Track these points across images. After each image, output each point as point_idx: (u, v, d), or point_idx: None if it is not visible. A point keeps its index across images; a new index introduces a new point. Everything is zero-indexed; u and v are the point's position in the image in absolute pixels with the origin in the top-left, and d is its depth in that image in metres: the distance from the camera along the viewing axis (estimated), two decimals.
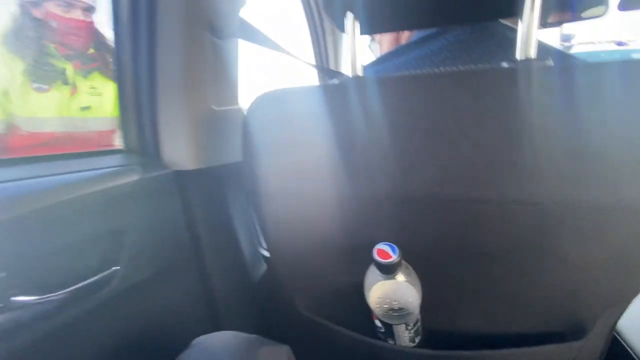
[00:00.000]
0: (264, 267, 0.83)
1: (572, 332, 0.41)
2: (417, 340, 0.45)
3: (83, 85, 1.04)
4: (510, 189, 0.34)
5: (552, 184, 0.33)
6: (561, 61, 0.41)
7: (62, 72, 0.99)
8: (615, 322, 0.44)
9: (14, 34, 0.91)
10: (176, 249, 0.60)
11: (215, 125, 0.62)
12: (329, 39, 1.19)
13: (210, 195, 0.65)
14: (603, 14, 1.04)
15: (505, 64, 0.36)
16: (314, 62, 1.25)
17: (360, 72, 0.41)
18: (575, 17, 0.64)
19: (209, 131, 0.60)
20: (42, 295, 0.36)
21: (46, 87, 0.96)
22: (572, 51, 4.91)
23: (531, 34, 0.34)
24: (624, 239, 0.34)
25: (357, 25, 0.39)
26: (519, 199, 0.34)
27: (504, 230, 0.36)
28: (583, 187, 0.32)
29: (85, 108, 1.04)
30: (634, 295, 0.39)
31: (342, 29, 0.42)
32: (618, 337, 0.57)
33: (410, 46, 0.48)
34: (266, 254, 0.85)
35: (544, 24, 0.40)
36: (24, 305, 0.35)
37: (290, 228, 0.47)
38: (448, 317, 0.45)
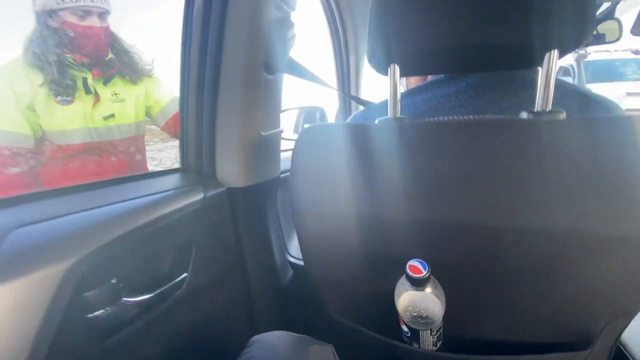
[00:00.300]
0: (290, 271, 0.91)
1: (579, 342, 0.47)
2: (438, 344, 0.52)
3: (105, 92, 1.04)
4: (527, 221, 0.41)
5: (563, 217, 0.39)
6: (575, 104, 0.48)
7: (84, 82, 0.99)
8: (619, 334, 0.49)
9: (32, 47, 0.91)
10: (226, 256, 0.68)
11: (261, 147, 0.70)
12: (352, 61, 1.29)
13: (252, 208, 0.73)
14: (617, 40, 1.11)
15: (524, 114, 0.43)
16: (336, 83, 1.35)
17: (398, 112, 0.48)
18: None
19: (256, 152, 0.69)
20: (138, 297, 0.45)
21: (69, 98, 0.96)
22: (588, 59, 4.92)
23: (550, 85, 0.40)
24: (624, 265, 0.40)
25: (398, 70, 0.46)
26: (535, 229, 0.41)
27: (520, 254, 0.42)
28: (590, 221, 0.39)
29: (109, 117, 1.04)
30: (636, 311, 0.45)
31: (384, 74, 0.48)
32: (622, 348, 0.62)
33: (437, 83, 0.55)
34: (292, 260, 0.94)
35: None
36: (127, 306, 0.44)
37: (327, 243, 0.54)
38: (467, 325, 0.51)
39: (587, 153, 0.39)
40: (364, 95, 1.48)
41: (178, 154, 0.71)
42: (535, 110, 0.42)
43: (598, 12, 1.26)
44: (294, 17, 0.67)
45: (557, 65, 0.40)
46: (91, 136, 1.02)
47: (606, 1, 1.13)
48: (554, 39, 0.39)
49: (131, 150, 1.13)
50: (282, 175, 0.84)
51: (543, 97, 0.41)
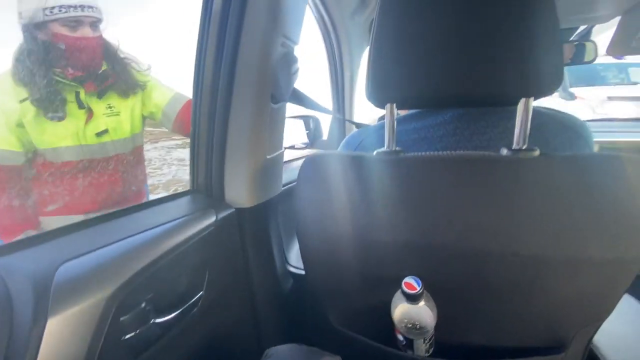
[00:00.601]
0: (291, 280, 0.97)
1: (555, 346, 0.53)
2: (430, 350, 0.57)
3: (99, 107, 0.99)
4: (506, 245, 0.47)
5: (536, 243, 0.46)
6: (550, 131, 0.54)
7: (76, 97, 0.94)
8: (591, 339, 0.56)
9: (20, 62, 0.87)
10: (235, 272, 0.73)
11: (266, 168, 0.75)
12: (346, 76, 1.35)
13: (258, 225, 0.79)
14: (593, 60, 1.19)
15: (504, 151, 0.49)
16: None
17: (394, 145, 0.54)
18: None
19: (262, 174, 0.74)
20: (164, 317, 0.50)
21: (61, 114, 0.91)
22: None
23: (526, 126, 0.47)
24: (591, 281, 0.47)
25: (395, 108, 0.52)
26: (512, 252, 0.47)
27: (501, 274, 0.49)
28: (559, 246, 0.45)
29: (102, 133, 1.00)
30: (604, 319, 0.52)
31: (381, 109, 0.54)
32: (594, 350, 0.69)
33: (425, 113, 0.61)
34: (293, 269, 1.00)
35: None
36: (154, 326, 0.49)
37: (327, 261, 0.60)
38: (456, 333, 0.57)
39: (554, 186, 0.45)
40: (357, 104, 1.55)
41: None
42: (514, 147, 0.48)
43: (576, 33, 1.35)
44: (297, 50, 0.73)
45: (531, 109, 0.47)
46: (84, 154, 0.98)
47: (583, 25, 1.22)
48: (529, 88, 0.45)
49: (126, 165, 1.09)
50: (283, 188, 0.89)
51: (520, 135, 0.48)
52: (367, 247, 0.55)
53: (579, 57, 1.18)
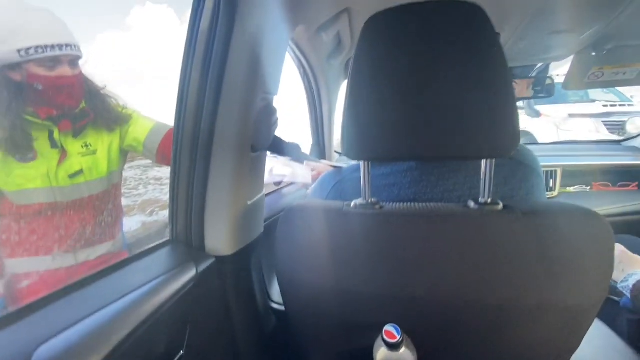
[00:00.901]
0: (273, 318, 0.96)
1: None
2: None
3: (74, 146, 0.95)
4: (475, 296, 0.50)
5: (503, 292, 0.49)
6: (510, 171, 0.59)
7: (49, 136, 0.90)
8: None
9: None
10: (217, 323, 0.72)
11: (247, 214, 0.76)
12: (325, 109, 1.40)
13: (239, 272, 0.78)
14: (551, 95, 1.29)
15: (472, 203, 0.53)
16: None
17: (369, 196, 0.56)
18: None
19: (243, 220, 0.74)
20: None
21: (31, 155, 0.87)
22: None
23: (489, 183, 0.51)
24: (556, 325, 0.50)
25: (369, 165, 0.55)
26: (483, 301, 0.50)
27: (473, 321, 0.52)
28: (522, 295, 0.49)
29: (77, 174, 0.95)
30: (573, 351, 0.55)
31: (358, 161, 0.57)
32: None
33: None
34: (275, 306, 0.99)
35: None
36: None
37: (308, 307, 0.61)
38: None
39: (516, 240, 0.49)
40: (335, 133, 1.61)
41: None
42: (480, 200, 0.52)
43: (534, 70, 1.46)
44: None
45: (493, 167, 0.51)
46: (55, 196, 0.92)
47: (540, 63, 1.32)
48: (489, 150, 0.49)
49: (101, 205, 1.03)
50: (265, 223, 0.89)
51: (485, 190, 0.51)
52: (347, 297, 0.57)
53: (538, 92, 1.28)
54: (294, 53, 1.13)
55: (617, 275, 0.94)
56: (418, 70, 0.48)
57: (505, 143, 0.48)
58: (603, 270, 0.48)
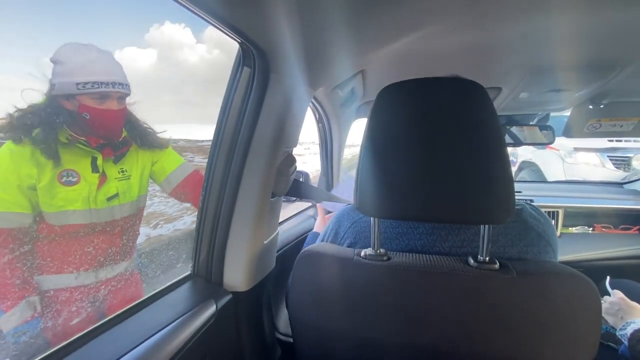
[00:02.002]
0: (279, 350, 1.00)
1: None
2: None
3: (112, 171, 1.03)
4: (474, 348, 0.54)
5: (497, 346, 0.53)
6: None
7: (92, 161, 0.98)
8: None
9: (42, 128, 0.89)
10: (229, 352, 0.77)
11: (263, 252, 0.82)
12: (335, 146, 1.49)
13: (252, 306, 0.83)
14: (551, 142, 1.35)
15: (472, 261, 0.58)
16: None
17: (378, 247, 0.62)
18: None
19: (259, 258, 0.80)
20: None
21: (75, 179, 0.95)
22: None
23: (487, 244, 0.56)
24: None
25: (379, 221, 0.61)
26: (481, 353, 0.54)
27: None
28: (516, 350, 0.53)
29: (113, 197, 1.03)
30: None
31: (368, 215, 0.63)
32: None
33: None
34: (282, 337, 1.03)
35: None
36: None
37: (318, 347, 0.65)
38: None
39: (511, 298, 0.53)
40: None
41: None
42: (479, 259, 0.57)
43: (535, 117, 1.53)
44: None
45: (491, 232, 0.57)
46: (91, 217, 1.00)
47: (540, 112, 1.40)
48: (487, 217, 0.55)
49: (128, 227, 1.12)
50: (277, 254, 0.95)
51: (483, 250, 0.57)
52: (354, 341, 0.62)
53: (539, 139, 1.34)
54: (311, 104, 1.23)
55: (615, 323, 0.97)
56: (424, 139, 0.54)
57: (500, 212, 0.54)
58: (591, 331, 0.53)
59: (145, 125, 1.12)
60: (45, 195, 0.92)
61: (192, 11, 0.51)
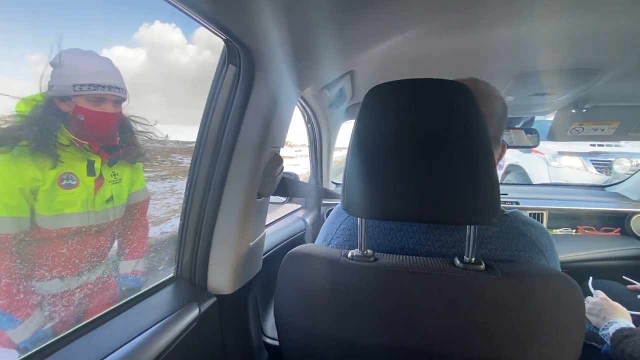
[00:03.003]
0: (265, 354, 0.98)
1: None
2: None
3: (107, 175, 1.04)
4: (459, 350, 0.54)
5: (482, 347, 0.53)
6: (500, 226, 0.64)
7: (88, 165, 0.99)
8: None
9: (43, 131, 0.89)
10: (213, 356, 0.75)
11: (248, 254, 0.80)
12: (324, 147, 1.48)
13: (237, 309, 0.82)
14: (536, 145, 1.37)
15: (457, 261, 0.58)
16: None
17: (365, 247, 0.61)
18: None
19: (244, 260, 0.79)
20: None
21: (74, 182, 0.96)
22: None
23: (472, 244, 0.56)
24: None
25: (365, 221, 0.60)
26: (467, 356, 0.54)
27: None
28: (502, 351, 0.53)
29: (109, 200, 1.05)
30: None
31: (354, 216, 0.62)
32: None
33: None
34: (268, 340, 1.01)
35: None
36: None
37: (304, 349, 0.64)
38: None
39: (496, 299, 0.53)
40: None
41: None
42: (465, 259, 0.57)
43: (521, 121, 1.56)
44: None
45: (476, 232, 0.57)
46: (89, 220, 1.01)
47: (526, 115, 1.43)
48: (472, 217, 0.55)
49: (118, 228, 1.13)
50: (263, 257, 0.93)
51: (469, 251, 0.57)
52: (340, 343, 0.61)
53: (524, 142, 1.37)
54: (300, 104, 1.22)
55: (598, 323, 0.98)
56: (410, 139, 0.54)
57: (485, 212, 0.54)
58: (575, 331, 0.53)
59: (134, 129, 1.11)
60: (45, 198, 0.92)
61: (175, 6, 0.50)
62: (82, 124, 0.93)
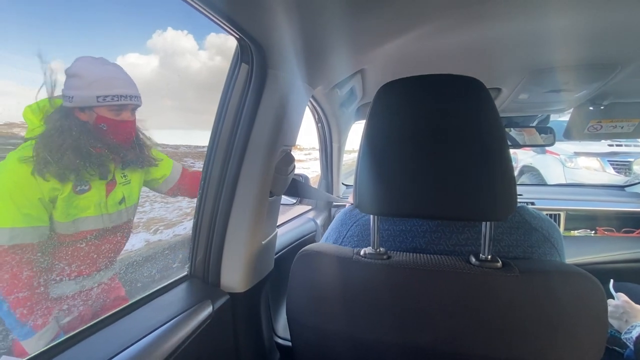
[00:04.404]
0: (277, 355, 0.98)
1: None
2: None
3: (119, 176, 1.07)
4: (474, 349, 0.53)
5: (497, 346, 0.52)
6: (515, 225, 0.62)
7: (104, 169, 1.01)
8: None
9: (60, 139, 0.90)
10: (226, 355, 0.75)
11: (261, 253, 0.81)
12: (335, 148, 1.48)
13: (250, 308, 0.82)
14: (552, 144, 1.34)
15: (473, 259, 0.57)
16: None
17: (378, 245, 0.60)
18: None
19: (256, 259, 0.79)
20: None
21: (86, 187, 0.98)
22: None
23: (489, 241, 0.54)
24: None
25: (377, 218, 0.60)
26: (482, 355, 0.53)
27: None
28: (519, 350, 0.51)
29: (121, 201, 1.07)
30: None
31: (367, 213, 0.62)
32: None
33: None
34: (280, 341, 1.01)
35: None
36: None
37: (316, 348, 0.64)
38: None
39: (513, 298, 0.52)
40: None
41: None
42: (481, 257, 0.56)
43: (535, 119, 1.53)
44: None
45: (493, 228, 0.55)
46: (103, 222, 1.03)
47: (541, 114, 1.39)
48: (489, 213, 0.54)
49: (130, 228, 1.15)
50: (275, 257, 0.93)
51: (485, 248, 0.56)
52: (353, 341, 0.60)
53: (537, 142, 1.34)
54: (310, 104, 1.23)
55: (620, 326, 0.95)
56: (424, 135, 0.54)
57: (502, 208, 0.53)
58: (597, 331, 0.51)
59: (143, 133, 1.14)
60: (63, 206, 0.94)
61: (190, 4, 0.51)
62: (105, 132, 0.97)
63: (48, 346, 0.52)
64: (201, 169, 0.75)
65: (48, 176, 0.89)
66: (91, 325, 0.57)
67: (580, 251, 1.58)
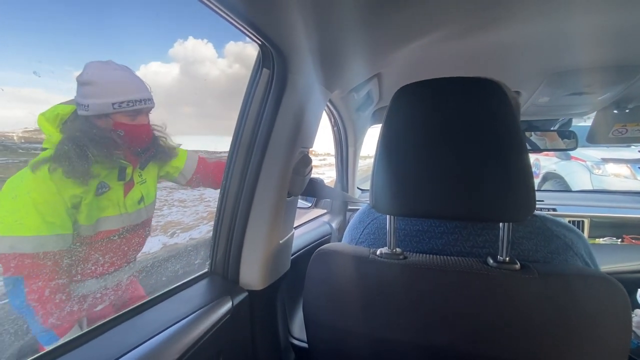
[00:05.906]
0: (293, 356, 0.99)
1: None
2: None
3: (136, 176, 1.08)
4: (490, 350, 0.52)
5: (514, 349, 0.51)
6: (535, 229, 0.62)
7: (122, 171, 1.03)
8: None
9: (78, 147, 0.90)
10: (243, 352, 0.77)
11: (279, 252, 0.83)
12: (350, 152, 1.50)
13: (267, 306, 0.84)
14: (574, 149, 1.31)
15: (491, 261, 0.56)
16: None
17: (394, 246, 0.61)
18: None
19: (275, 257, 0.81)
20: None
21: (106, 189, 0.99)
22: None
23: (507, 243, 0.54)
24: None
25: (394, 218, 0.60)
26: (497, 356, 0.52)
27: None
28: (535, 354, 0.50)
29: (140, 200, 1.09)
30: None
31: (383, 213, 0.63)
32: None
33: None
34: (295, 342, 1.02)
35: None
36: None
37: (331, 347, 0.65)
38: None
39: (531, 300, 0.51)
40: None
41: None
42: (499, 259, 0.56)
43: (557, 123, 1.49)
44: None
45: (511, 230, 0.55)
46: (123, 222, 1.04)
47: (563, 117, 1.36)
48: (508, 215, 0.53)
49: (149, 226, 1.18)
50: (291, 257, 0.95)
51: (503, 250, 0.55)
52: (369, 341, 0.60)
53: (559, 146, 1.30)
54: (327, 107, 1.25)
55: None
56: (440, 137, 0.54)
57: (520, 210, 0.52)
58: (620, 337, 0.50)
59: (160, 134, 1.17)
60: (86, 209, 0.95)
61: (215, 11, 0.54)
62: (122, 138, 0.98)
63: (78, 334, 0.55)
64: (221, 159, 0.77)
65: (70, 183, 0.90)
66: (117, 316, 0.60)
67: (605, 259, 1.52)
